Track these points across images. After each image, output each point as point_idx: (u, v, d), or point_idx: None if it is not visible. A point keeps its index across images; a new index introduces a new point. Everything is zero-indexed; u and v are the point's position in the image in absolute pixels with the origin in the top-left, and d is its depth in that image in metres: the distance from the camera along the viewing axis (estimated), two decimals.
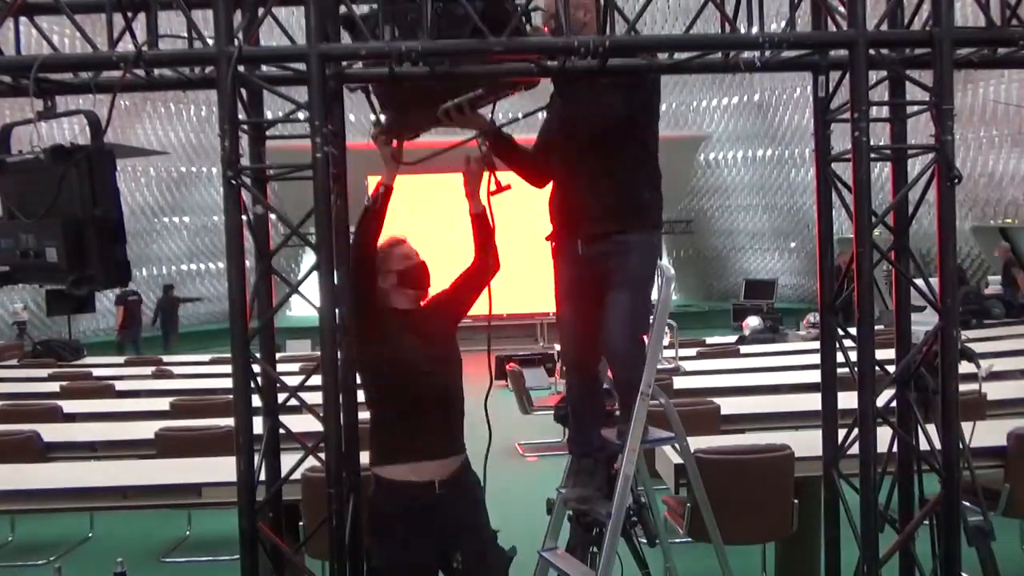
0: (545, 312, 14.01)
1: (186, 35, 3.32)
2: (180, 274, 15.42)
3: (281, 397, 3.35)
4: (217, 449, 4.52)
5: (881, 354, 3.32)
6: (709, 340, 10.14)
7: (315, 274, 3.14)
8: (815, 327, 7.58)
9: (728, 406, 5.17)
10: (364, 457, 3.65)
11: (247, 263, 3.24)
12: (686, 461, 3.54)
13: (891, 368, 3.42)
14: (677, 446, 3.56)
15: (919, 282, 3.32)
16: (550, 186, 3.45)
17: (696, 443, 3.74)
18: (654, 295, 3.37)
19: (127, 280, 2.72)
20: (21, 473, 4.42)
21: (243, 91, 3.20)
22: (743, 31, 3.45)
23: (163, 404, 6.04)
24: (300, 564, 3.37)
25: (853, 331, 3.31)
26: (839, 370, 3.52)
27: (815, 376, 3.69)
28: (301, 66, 3.11)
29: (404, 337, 3.19)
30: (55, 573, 3.42)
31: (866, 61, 3.08)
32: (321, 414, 3.18)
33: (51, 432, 5.16)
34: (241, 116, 3.16)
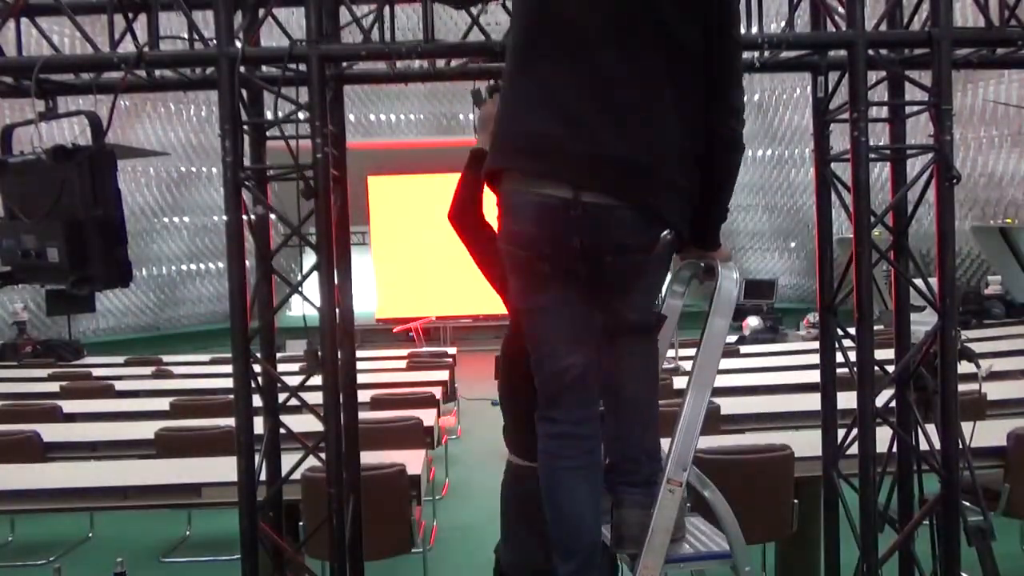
0: None
1: (187, 36, 3.33)
2: (180, 274, 15.41)
3: (281, 397, 3.36)
4: (217, 449, 4.53)
5: (881, 354, 3.32)
6: None
7: (315, 274, 3.14)
8: (815, 327, 7.59)
9: (728, 406, 5.16)
10: (364, 457, 3.66)
11: (247, 263, 3.25)
12: None
13: (891, 368, 3.43)
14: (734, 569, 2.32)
15: (918, 282, 3.32)
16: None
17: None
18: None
19: (128, 280, 2.72)
20: (21, 473, 4.42)
21: (243, 91, 3.21)
22: (742, 31, 3.46)
23: (163, 404, 6.03)
24: (300, 564, 3.37)
25: (853, 331, 3.31)
26: (839, 370, 3.52)
27: (815, 376, 3.70)
28: (302, 66, 3.12)
29: None
30: (55, 573, 3.42)
31: (865, 61, 3.08)
32: (321, 414, 3.18)
33: (51, 432, 5.15)
34: (241, 116, 3.17)
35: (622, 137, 2.07)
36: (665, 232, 2.15)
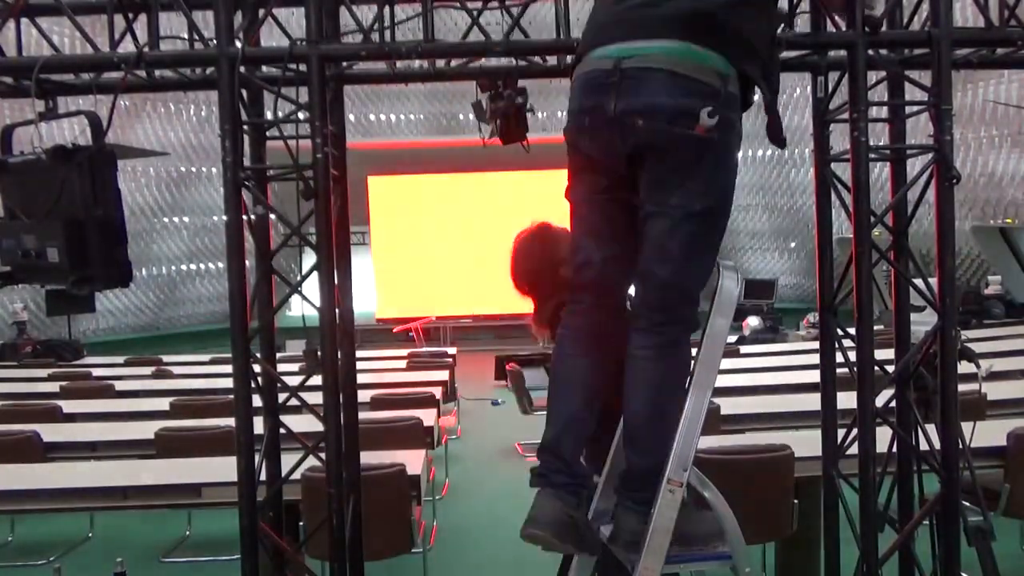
0: None
1: (187, 36, 3.33)
2: (180, 274, 15.41)
3: (281, 397, 3.36)
4: (217, 449, 4.53)
5: (881, 354, 3.32)
6: None
7: (315, 274, 3.14)
8: (815, 327, 7.59)
9: (728, 406, 5.16)
10: (364, 457, 3.66)
11: (247, 263, 3.25)
12: None
13: (891, 368, 3.43)
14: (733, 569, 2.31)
15: (918, 282, 3.32)
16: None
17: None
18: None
19: (128, 280, 2.72)
20: (21, 473, 4.42)
21: (243, 91, 3.21)
22: None
23: (163, 404, 6.03)
24: (300, 564, 3.37)
25: (852, 331, 3.31)
26: (839, 370, 3.52)
27: (815, 376, 3.69)
28: (302, 66, 3.12)
29: None
30: (55, 573, 3.43)
31: (865, 61, 3.08)
32: (321, 414, 3.18)
33: (51, 432, 5.15)
34: (241, 116, 3.17)
35: None
36: (706, 108, 2.02)
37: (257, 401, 3.28)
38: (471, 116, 3.44)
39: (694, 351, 2.27)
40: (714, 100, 2.05)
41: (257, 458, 3.25)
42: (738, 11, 2.13)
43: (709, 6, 2.09)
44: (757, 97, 2.28)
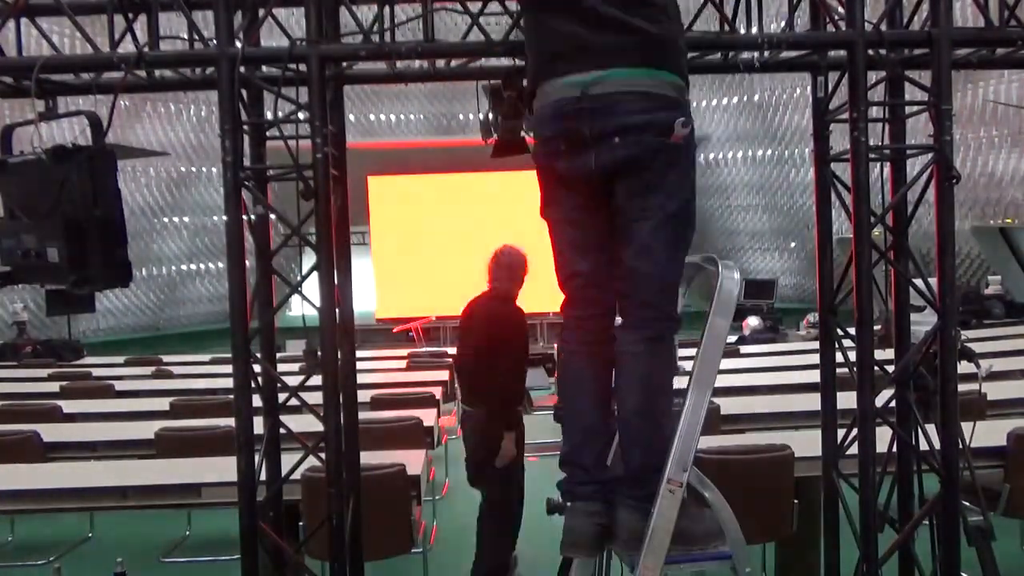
0: (545, 312, 14.02)
1: (187, 36, 3.33)
2: (180, 274, 15.41)
3: (281, 397, 3.36)
4: (217, 449, 4.53)
5: (881, 354, 3.32)
6: None
7: (315, 274, 3.14)
8: (815, 327, 7.59)
9: (728, 406, 5.16)
10: (364, 457, 3.66)
11: (248, 263, 3.25)
12: None
13: (891, 368, 3.43)
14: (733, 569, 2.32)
15: (918, 282, 3.32)
16: None
17: None
18: None
19: (128, 280, 2.72)
20: (21, 473, 4.42)
21: (243, 91, 3.20)
22: (742, 31, 3.46)
23: (163, 404, 6.03)
24: (300, 564, 3.37)
25: (853, 331, 3.31)
26: (839, 370, 3.52)
27: (815, 376, 3.70)
28: (302, 66, 3.12)
29: None
30: (55, 573, 3.43)
31: (865, 61, 3.08)
32: (321, 414, 3.18)
33: (51, 432, 5.15)
34: (241, 116, 3.17)
35: (623, 25, 2.22)
36: (680, 119, 2.21)
37: (257, 401, 3.28)
38: (471, 116, 3.43)
39: (694, 351, 2.29)
40: (680, 110, 2.25)
41: (257, 458, 3.25)
42: (678, 28, 2.35)
43: (665, 33, 2.26)
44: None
